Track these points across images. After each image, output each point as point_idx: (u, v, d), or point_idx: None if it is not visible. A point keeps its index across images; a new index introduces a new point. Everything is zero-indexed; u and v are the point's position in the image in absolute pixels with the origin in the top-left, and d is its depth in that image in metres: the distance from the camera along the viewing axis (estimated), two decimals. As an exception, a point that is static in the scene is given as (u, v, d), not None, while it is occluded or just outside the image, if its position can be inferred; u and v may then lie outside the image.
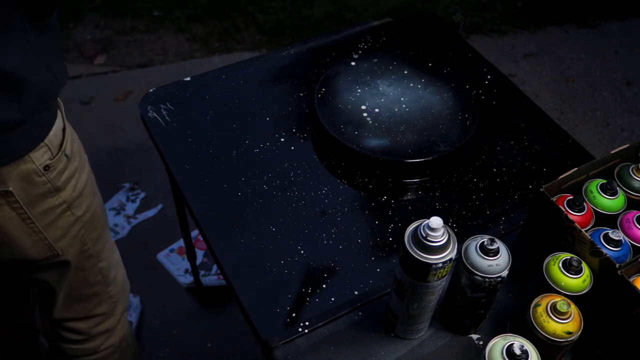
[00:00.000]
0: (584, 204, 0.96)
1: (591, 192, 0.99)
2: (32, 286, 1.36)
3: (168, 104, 1.35)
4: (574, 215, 0.94)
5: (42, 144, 0.98)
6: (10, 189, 0.96)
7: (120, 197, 2.26)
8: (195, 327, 1.93)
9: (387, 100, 1.30)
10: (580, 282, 0.86)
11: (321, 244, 1.11)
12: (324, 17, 3.06)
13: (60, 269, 1.15)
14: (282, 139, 1.29)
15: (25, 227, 1.02)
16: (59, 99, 1.05)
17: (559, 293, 0.86)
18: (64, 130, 1.04)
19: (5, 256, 1.06)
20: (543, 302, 0.84)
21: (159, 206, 2.24)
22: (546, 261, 0.89)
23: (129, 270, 2.02)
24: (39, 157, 0.98)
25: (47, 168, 1.00)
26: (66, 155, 1.04)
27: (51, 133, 1.00)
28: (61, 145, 1.02)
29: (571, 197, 0.95)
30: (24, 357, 1.57)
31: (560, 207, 0.92)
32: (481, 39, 3.00)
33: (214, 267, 2.02)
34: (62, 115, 1.05)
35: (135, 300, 1.96)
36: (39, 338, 1.61)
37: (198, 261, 1.96)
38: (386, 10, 3.10)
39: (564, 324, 0.82)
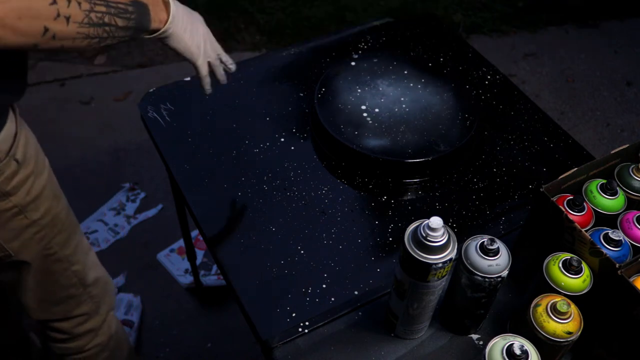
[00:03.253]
0: (584, 204, 0.96)
1: (591, 192, 0.99)
2: None
3: (168, 104, 1.35)
4: (574, 215, 0.94)
5: None
6: None
7: (120, 197, 2.26)
8: (195, 327, 1.93)
9: (387, 100, 1.30)
10: (580, 282, 0.86)
11: (321, 244, 1.11)
12: (324, 17, 3.06)
13: (18, 269, 1.15)
14: (282, 139, 1.29)
15: None
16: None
17: (559, 293, 0.86)
18: (15, 135, 1.02)
19: None
20: (543, 302, 0.84)
21: (159, 206, 2.24)
22: (546, 261, 0.89)
23: (129, 270, 2.05)
24: None
25: None
26: (16, 160, 1.02)
27: None
28: (9, 150, 1.00)
29: (571, 197, 0.95)
30: (15, 356, 1.57)
31: (560, 207, 0.92)
32: (481, 39, 3.00)
33: (214, 267, 2.02)
34: (15, 120, 1.03)
35: (135, 300, 1.96)
36: (29, 337, 1.62)
37: (198, 261, 1.96)
38: (386, 10, 3.10)
39: (564, 324, 0.82)
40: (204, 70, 1.12)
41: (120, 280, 2.03)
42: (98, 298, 1.33)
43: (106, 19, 0.87)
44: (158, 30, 1.00)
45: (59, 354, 1.38)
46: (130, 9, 0.92)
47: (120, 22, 0.90)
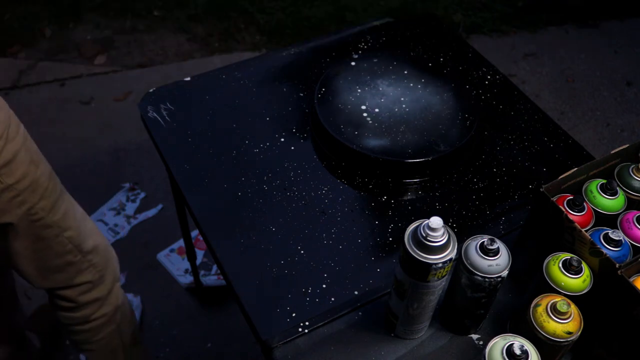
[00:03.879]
0: (584, 204, 0.96)
1: (591, 192, 0.99)
2: None
3: (168, 104, 1.35)
4: (574, 215, 0.94)
5: None
6: None
7: (120, 197, 2.26)
8: (195, 327, 1.93)
9: (387, 100, 1.30)
10: (580, 282, 0.86)
11: (321, 244, 1.11)
12: (324, 17, 3.06)
13: (4, 233, 1.16)
14: (282, 139, 1.29)
15: None
16: None
17: (559, 293, 0.86)
18: None
19: None
20: (543, 302, 0.84)
21: (159, 206, 2.24)
22: (546, 261, 0.89)
23: (129, 270, 2.05)
24: None
25: None
26: None
27: None
28: None
29: (571, 197, 0.95)
30: (13, 357, 1.57)
31: (560, 207, 0.92)
32: (481, 39, 3.00)
33: (214, 267, 2.02)
34: None
35: (135, 300, 1.96)
36: (27, 337, 1.62)
37: (198, 261, 1.96)
38: (386, 10, 3.10)
39: (564, 324, 0.82)
40: None
41: (120, 280, 2.02)
42: (100, 266, 1.35)
43: None
44: None
45: (65, 324, 1.40)
46: None
47: None
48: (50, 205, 1.20)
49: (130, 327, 1.53)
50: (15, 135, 1.12)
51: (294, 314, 1.00)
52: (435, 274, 0.83)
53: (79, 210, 1.32)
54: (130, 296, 1.97)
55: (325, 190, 1.20)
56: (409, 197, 1.21)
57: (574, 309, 0.84)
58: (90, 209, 2.21)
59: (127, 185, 2.30)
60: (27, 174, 1.13)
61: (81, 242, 1.29)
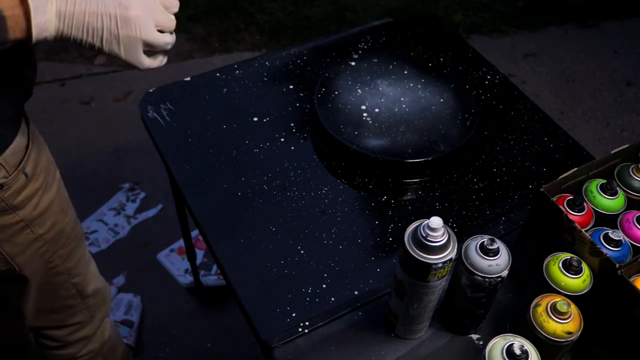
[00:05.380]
0: (584, 204, 0.96)
1: (591, 192, 0.99)
2: None
3: (168, 104, 1.35)
4: (574, 215, 0.94)
5: None
6: None
7: (120, 197, 2.26)
8: (195, 327, 1.93)
9: (387, 100, 1.30)
10: (580, 282, 0.86)
11: (321, 244, 1.11)
12: (324, 17, 3.06)
13: (20, 282, 1.13)
14: (282, 139, 1.29)
15: None
16: (26, 112, 1.01)
17: (559, 293, 0.86)
18: (26, 148, 0.99)
19: None
20: (543, 302, 0.84)
21: (159, 206, 2.24)
22: (546, 261, 0.89)
23: (129, 270, 2.05)
24: None
25: (0, 187, 0.96)
26: (25, 174, 0.99)
27: (8, 151, 0.95)
28: (19, 164, 0.97)
29: (571, 197, 0.95)
30: (14, 357, 1.57)
31: (560, 207, 0.92)
32: (481, 39, 3.00)
33: (214, 267, 2.02)
34: (27, 132, 1.00)
35: (135, 300, 1.96)
36: (30, 342, 1.61)
37: (198, 261, 1.96)
38: (386, 10, 3.10)
39: (564, 324, 0.82)
40: (160, 41, 0.86)
41: (120, 280, 2.03)
42: (94, 308, 1.32)
43: None
44: (26, 39, 0.76)
45: None
46: None
47: None
48: (67, 254, 1.16)
49: (118, 356, 1.50)
50: (52, 183, 1.09)
51: (294, 314, 1.00)
52: (435, 274, 0.83)
53: (87, 253, 1.28)
54: (130, 296, 1.97)
55: (325, 190, 1.20)
56: (409, 197, 1.20)
57: (574, 309, 0.84)
58: (90, 209, 2.21)
59: (127, 185, 2.30)
60: (56, 224, 1.10)
61: (85, 287, 1.26)
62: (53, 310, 1.25)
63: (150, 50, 0.85)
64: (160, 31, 0.85)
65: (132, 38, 0.81)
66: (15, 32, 0.75)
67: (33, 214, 1.04)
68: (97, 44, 0.80)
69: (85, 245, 1.26)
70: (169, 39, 0.87)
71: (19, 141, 0.97)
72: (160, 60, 0.89)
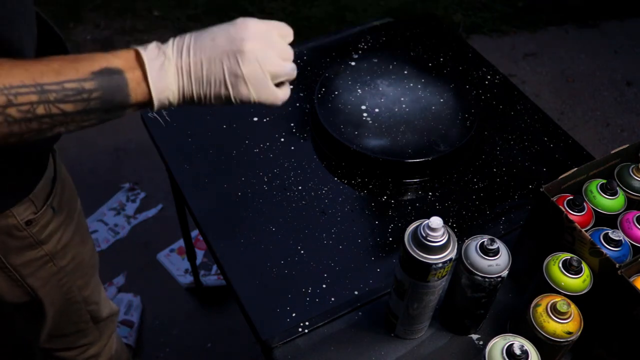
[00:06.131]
0: (584, 204, 0.96)
1: (591, 192, 0.99)
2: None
3: (168, 104, 1.35)
4: (574, 215, 0.94)
5: (25, 198, 0.91)
6: None
7: (120, 197, 2.26)
8: (195, 327, 1.93)
9: (387, 100, 1.30)
10: (580, 282, 0.86)
11: (321, 244, 1.11)
12: (324, 17, 3.06)
13: (37, 312, 1.12)
14: (282, 139, 1.29)
15: (3, 275, 0.99)
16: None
17: (559, 293, 0.86)
18: (54, 180, 0.97)
19: None
20: (543, 302, 0.84)
21: (159, 206, 2.24)
22: (546, 261, 0.89)
23: (129, 270, 2.05)
24: (21, 212, 0.92)
25: (29, 223, 0.94)
26: (52, 208, 0.98)
27: (38, 186, 0.92)
28: (48, 197, 0.96)
29: (571, 197, 0.95)
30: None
31: (560, 207, 0.92)
32: (481, 39, 3.00)
33: (214, 267, 2.02)
34: (54, 164, 0.98)
35: (135, 300, 1.96)
36: (35, 356, 1.61)
37: (198, 261, 1.96)
38: (386, 10, 3.10)
39: (564, 324, 0.82)
40: (287, 70, 0.77)
41: (120, 280, 2.03)
42: (102, 328, 1.31)
43: (39, 110, 0.64)
44: (148, 101, 0.70)
45: None
46: (88, 86, 0.66)
47: (69, 108, 0.66)
48: (85, 283, 1.15)
49: None
50: (74, 214, 1.07)
51: (294, 314, 1.00)
52: (435, 274, 0.83)
53: (98, 279, 1.26)
54: (130, 296, 1.97)
55: (325, 190, 1.20)
56: (409, 197, 1.20)
57: (574, 309, 0.84)
58: (90, 209, 2.21)
59: (127, 185, 2.30)
60: (76, 255, 1.09)
61: (100, 313, 1.25)
62: (65, 334, 1.24)
63: (278, 81, 0.77)
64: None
65: (258, 73, 0.72)
66: (137, 94, 0.69)
67: (57, 247, 1.02)
68: (224, 92, 0.72)
69: (98, 270, 1.25)
70: (290, 67, 0.78)
71: (47, 175, 0.96)
72: (289, 89, 0.80)
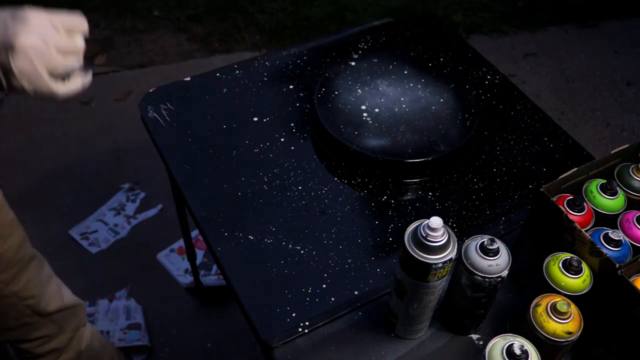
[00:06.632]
0: (584, 204, 0.96)
1: (591, 192, 0.99)
2: None
3: (168, 104, 1.35)
4: (574, 215, 0.94)
5: None
6: None
7: (120, 197, 2.26)
8: (195, 327, 1.93)
9: (387, 100, 1.30)
10: (580, 282, 0.86)
11: (321, 244, 1.11)
12: (324, 17, 3.06)
13: None
14: (282, 139, 1.29)
15: None
16: None
17: (559, 293, 0.86)
18: None
19: None
20: (543, 302, 0.84)
21: (159, 206, 2.24)
22: (546, 261, 0.89)
23: (129, 270, 2.05)
24: None
25: None
26: None
27: None
28: None
29: (571, 197, 0.95)
30: None
31: (560, 207, 0.92)
32: (481, 39, 3.00)
33: (214, 267, 2.02)
34: None
35: (131, 303, 1.95)
36: (9, 350, 1.60)
37: (198, 261, 1.96)
38: (386, 10, 3.10)
39: (564, 324, 0.82)
40: (65, 66, 0.76)
41: (123, 294, 2.01)
42: (62, 321, 1.30)
43: None
44: None
45: None
46: None
47: None
48: (11, 278, 1.13)
49: None
50: None
51: (294, 314, 1.00)
52: (435, 274, 0.83)
53: (45, 272, 1.25)
54: (123, 302, 1.95)
55: (325, 190, 1.20)
56: (409, 197, 1.21)
57: (574, 309, 0.84)
58: (90, 209, 2.21)
59: (127, 185, 2.30)
60: None
61: (43, 307, 1.23)
62: (10, 328, 1.23)
63: (60, 75, 0.76)
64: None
65: (29, 69, 0.71)
66: None
67: None
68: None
69: (40, 266, 1.23)
70: (71, 62, 0.76)
71: None
72: (79, 82, 0.79)
